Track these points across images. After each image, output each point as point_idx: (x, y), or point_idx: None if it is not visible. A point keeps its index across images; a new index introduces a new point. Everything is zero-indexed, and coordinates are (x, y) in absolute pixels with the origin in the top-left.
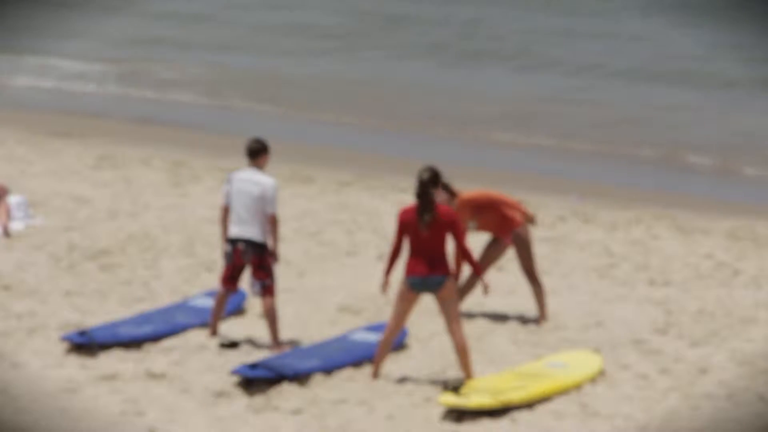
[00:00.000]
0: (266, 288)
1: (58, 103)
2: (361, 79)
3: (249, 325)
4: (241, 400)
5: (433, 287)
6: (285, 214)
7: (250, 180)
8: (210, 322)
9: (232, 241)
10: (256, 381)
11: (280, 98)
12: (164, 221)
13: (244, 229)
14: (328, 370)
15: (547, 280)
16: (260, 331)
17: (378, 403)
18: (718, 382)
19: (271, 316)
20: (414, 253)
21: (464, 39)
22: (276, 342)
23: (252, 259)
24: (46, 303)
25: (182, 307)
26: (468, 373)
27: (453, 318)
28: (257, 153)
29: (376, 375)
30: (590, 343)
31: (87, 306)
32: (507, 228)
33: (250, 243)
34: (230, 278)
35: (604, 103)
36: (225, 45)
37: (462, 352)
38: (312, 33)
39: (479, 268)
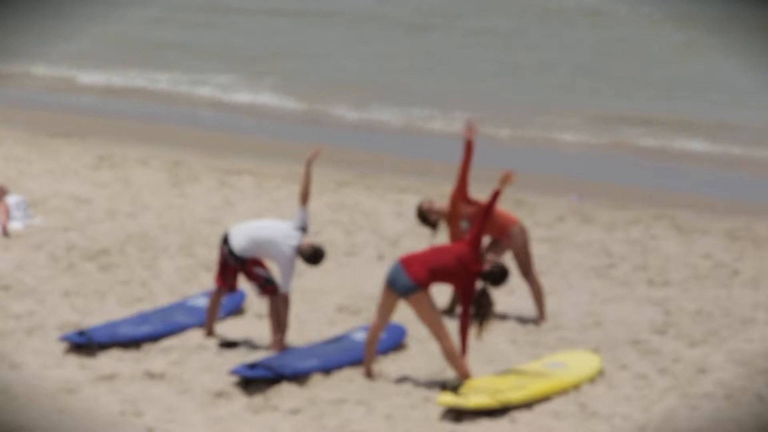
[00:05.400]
0: (264, 288)
1: (57, 103)
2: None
3: (248, 325)
4: (240, 400)
5: (401, 288)
6: (284, 214)
7: (286, 234)
8: (206, 322)
9: (224, 238)
10: (255, 381)
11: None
12: (163, 221)
13: (234, 236)
14: (327, 370)
15: (545, 280)
16: (259, 331)
17: (377, 403)
18: (717, 382)
19: (272, 316)
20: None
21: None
22: (275, 341)
23: (236, 266)
24: (44, 303)
25: (181, 307)
26: (462, 376)
27: (431, 330)
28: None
29: (369, 375)
30: (589, 343)
31: (86, 306)
32: (503, 228)
33: (232, 252)
34: (221, 275)
35: None
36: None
37: (449, 359)
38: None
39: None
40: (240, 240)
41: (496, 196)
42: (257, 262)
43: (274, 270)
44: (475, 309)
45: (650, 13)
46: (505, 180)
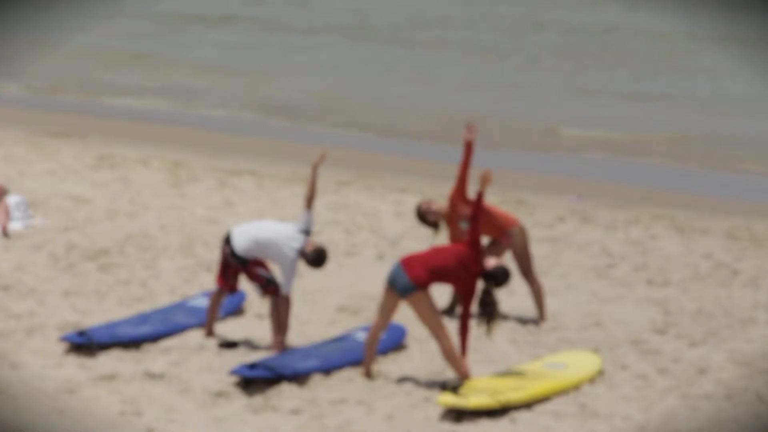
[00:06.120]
0: (266, 289)
1: (57, 103)
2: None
3: (248, 325)
4: (240, 401)
5: (401, 287)
6: (284, 214)
7: (289, 236)
8: (206, 322)
9: (226, 238)
10: (255, 381)
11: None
12: (163, 221)
13: (236, 237)
14: (327, 370)
15: (545, 281)
16: (259, 331)
17: (377, 403)
18: (717, 383)
19: (273, 317)
20: (427, 250)
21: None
22: (276, 342)
23: (238, 267)
24: (44, 303)
25: (181, 307)
26: (462, 376)
27: (431, 330)
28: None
29: (368, 375)
30: (589, 344)
31: (86, 306)
32: (502, 228)
33: (234, 253)
34: (222, 275)
35: None
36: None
37: (448, 360)
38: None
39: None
40: (242, 241)
41: (479, 197)
42: (259, 263)
43: (276, 271)
44: (481, 309)
45: (632, 25)
46: (485, 180)
